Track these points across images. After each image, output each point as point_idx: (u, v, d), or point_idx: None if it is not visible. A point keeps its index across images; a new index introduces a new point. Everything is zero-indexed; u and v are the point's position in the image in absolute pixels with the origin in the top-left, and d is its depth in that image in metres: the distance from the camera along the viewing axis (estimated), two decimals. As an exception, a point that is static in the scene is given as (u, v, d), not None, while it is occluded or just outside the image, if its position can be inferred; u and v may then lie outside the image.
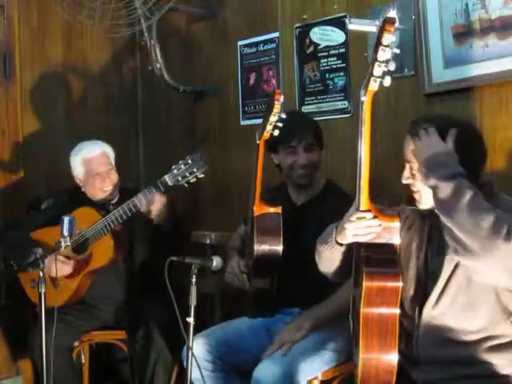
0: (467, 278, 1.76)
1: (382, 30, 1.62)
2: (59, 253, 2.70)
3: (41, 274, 2.31)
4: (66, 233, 2.41)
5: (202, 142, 3.64)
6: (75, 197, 3.01)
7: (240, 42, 3.41)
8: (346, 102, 2.95)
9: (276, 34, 3.23)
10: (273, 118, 2.27)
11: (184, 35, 3.72)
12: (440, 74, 2.56)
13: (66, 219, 2.42)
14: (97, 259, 2.84)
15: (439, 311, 1.81)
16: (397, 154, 2.57)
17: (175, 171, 2.55)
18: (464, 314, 1.79)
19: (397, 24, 1.62)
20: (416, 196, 1.88)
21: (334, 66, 2.99)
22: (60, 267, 2.76)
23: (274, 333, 2.41)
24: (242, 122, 3.43)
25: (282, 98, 2.27)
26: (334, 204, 2.34)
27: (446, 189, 1.69)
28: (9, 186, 3.45)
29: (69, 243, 2.47)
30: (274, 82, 3.28)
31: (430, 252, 1.89)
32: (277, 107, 2.26)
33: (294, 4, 3.13)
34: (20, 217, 3.26)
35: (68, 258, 2.85)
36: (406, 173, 1.89)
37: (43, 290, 2.30)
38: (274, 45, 3.25)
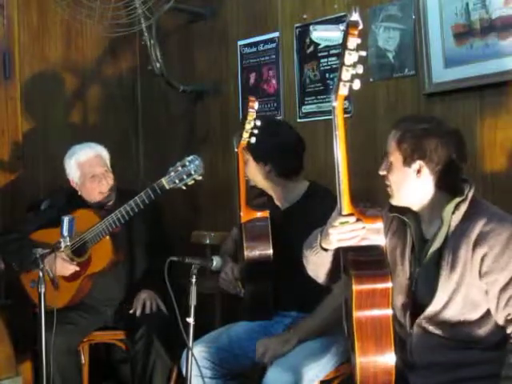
0: (466, 296, 1.78)
1: (346, 34, 1.62)
2: (61, 254, 2.70)
3: (40, 274, 2.31)
4: (65, 233, 2.40)
5: (202, 142, 3.64)
6: (72, 199, 2.99)
7: (240, 42, 3.41)
8: (346, 102, 2.93)
9: (276, 34, 3.23)
10: (248, 126, 2.28)
11: (184, 35, 3.72)
12: (440, 73, 2.56)
13: (66, 219, 2.41)
14: (96, 262, 2.82)
15: (438, 322, 1.81)
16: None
17: (172, 173, 2.49)
18: (463, 327, 1.80)
19: (360, 27, 1.62)
20: (388, 190, 1.89)
21: (334, 66, 2.99)
22: (63, 267, 2.77)
23: (272, 335, 2.42)
24: (242, 122, 3.43)
25: (256, 106, 2.27)
26: (317, 206, 2.35)
27: None
28: (8, 185, 3.45)
29: (68, 243, 2.46)
30: (274, 81, 3.28)
31: (413, 260, 1.90)
32: (251, 115, 2.26)
33: (294, 4, 3.13)
34: (19, 218, 3.25)
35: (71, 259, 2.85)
36: (384, 164, 1.89)
37: (43, 290, 2.30)
38: (274, 45, 3.25)
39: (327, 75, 3.02)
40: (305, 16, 3.08)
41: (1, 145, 3.43)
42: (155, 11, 3.19)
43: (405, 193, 1.85)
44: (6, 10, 3.44)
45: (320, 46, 3.03)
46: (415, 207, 1.88)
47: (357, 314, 1.74)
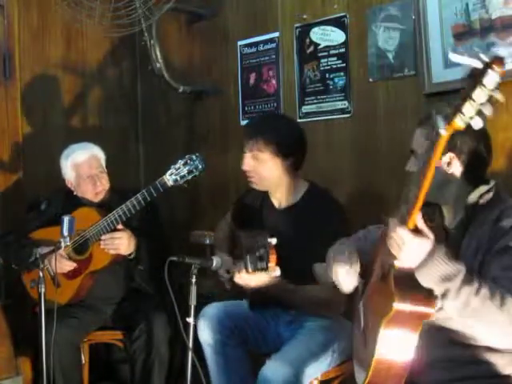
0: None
1: (487, 66, 1.39)
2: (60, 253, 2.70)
3: (40, 274, 2.32)
4: (65, 233, 2.41)
5: (202, 142, 3.64)
6: (69, 199, 3.02)
7: (240, 42, 3.41)
8: (346, 102, 2.94)
9: (276, 34, 3.24)
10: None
11: (184, 35, 3.73)
12: (440, 73, 2.56)
13: (66, 219, 2.41)
14: (97, 260, 2.83)
15: (444, 315, 1.81)
16: (398, 152, 2.58)
17: (174, 171, 2.55)
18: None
19: (506, 67, 1.38)
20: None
21: (334, 66, 2.99)
22: (60, 263, 2.77)
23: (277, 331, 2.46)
24: (242, 122, 3.43)
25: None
26: (317, 206, 2.36)
27: (452, 308, 1.66)
28: (8, 185, 3.45)
29: (68, 243, 2.46)
30: (274, 81, 3.28)
31: None
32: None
33: (294, 4, 3.13)
34: (19, 218, 3.25)
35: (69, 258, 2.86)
36: (411, 162, 1.88)
37: (43, 290, 2.31)
38: (273, 45, 3.26)
39: (327, 75, 3.02)
40: (305, 16, 3.08)
41: (1, 145, 3.43)
42: (155, 11, 3.19)
43: (435, 187, 1.78)
44: (6, 10, 3.44)
45: (320, 46, 3.03)
46: (442, 201, 1.84)
47: (383, 329, 1.68)
